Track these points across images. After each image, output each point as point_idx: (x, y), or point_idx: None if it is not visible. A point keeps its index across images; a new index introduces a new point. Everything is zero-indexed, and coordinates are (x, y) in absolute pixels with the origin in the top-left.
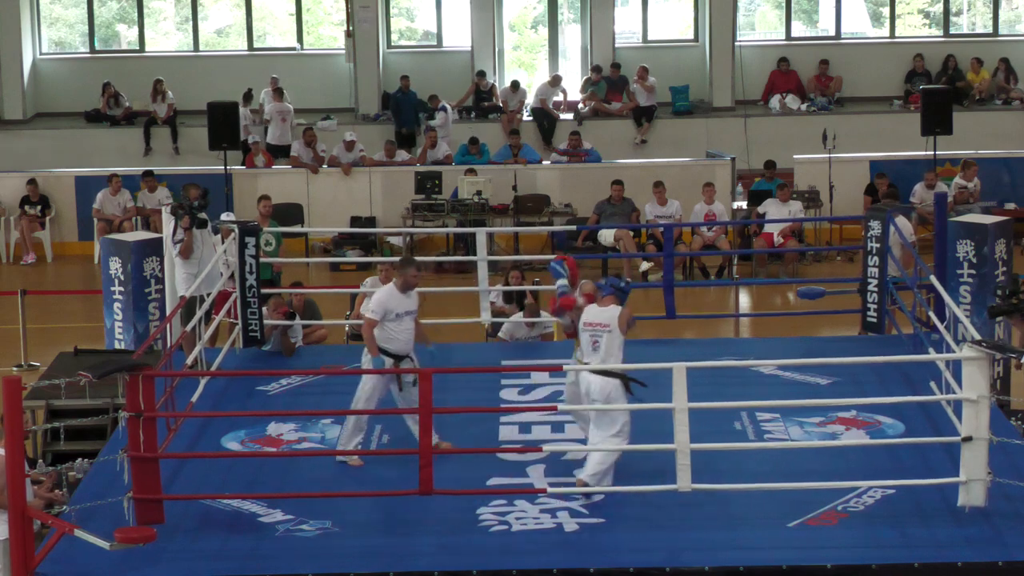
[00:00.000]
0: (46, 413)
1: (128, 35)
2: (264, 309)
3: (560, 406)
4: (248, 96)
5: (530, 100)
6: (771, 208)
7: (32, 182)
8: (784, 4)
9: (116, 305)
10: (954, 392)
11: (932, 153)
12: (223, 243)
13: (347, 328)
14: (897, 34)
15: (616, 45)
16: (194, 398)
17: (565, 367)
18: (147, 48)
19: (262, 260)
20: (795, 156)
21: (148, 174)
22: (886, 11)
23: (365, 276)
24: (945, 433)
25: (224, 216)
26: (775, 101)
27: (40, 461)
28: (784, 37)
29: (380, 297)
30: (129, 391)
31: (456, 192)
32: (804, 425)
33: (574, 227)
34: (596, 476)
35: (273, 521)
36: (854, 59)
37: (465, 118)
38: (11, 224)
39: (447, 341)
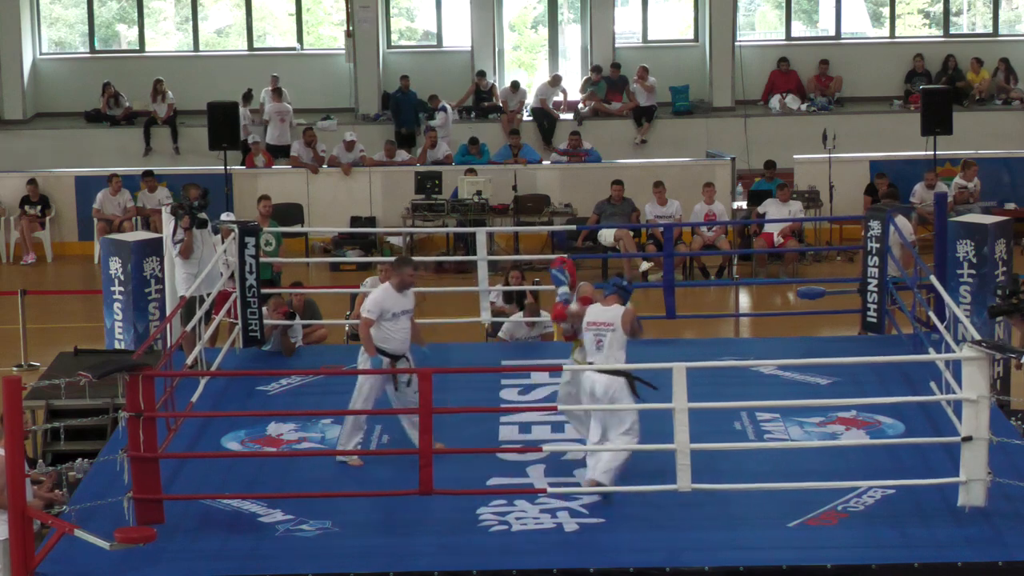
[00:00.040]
0: (46, 413)
1: (128, 35)
2: (264, 309)
3: (560, 406)
4: (248, 96)
5: (530, 100)
6: (771, 208)
7: (32, 182)
8: (784, 4)
9: (116, 305)
10: (954, 392)
11: (932, 153)
12: (223, 243)
13: (347, 328)
14: (897, 34)
15: (616, 45)
16: (194, 398)
17: (565, 367)
18: (147, 48)
19: (262, 260)
20: (795, 156)
21: (148, 174)
22: (886, 11)
23: (365, 276)
24: (945, 433)
25: (224, 216)
26: (775, 101)
27: (40, 461)
28: (784, 37)
29: (376, 296)
30: (129, 391)
31: (456, 192)
32: (804, 425)
33: (574, 227)
34: (609, 474)
35: (273, 521)
36: (854, 59)
37: (465, 118)
38: (11, 224)
39: (447, 341)
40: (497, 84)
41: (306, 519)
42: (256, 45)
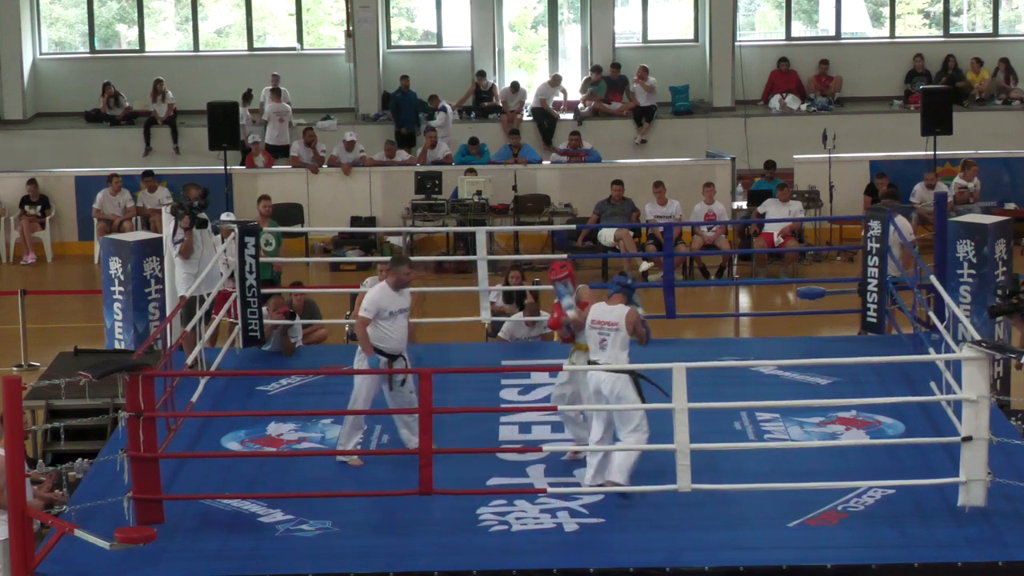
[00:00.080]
0: (46, 413)
1: (128, 35)
2: (264, 309)
3: (560, 406)
4: (248, 96)
5: (530, 100)
6: (771, 208)
7: (32, 182)
8: (784, 4)
9: (116, 305)
10: (954, 392)
11: (932, 153)
12: (223, 243)
13: (347, 328)
14: (897, 34)
15: (616, 45)
16: (194, 398)
17: (565, 367)
18: (147, 48)
19: (262, 260)
20: (795, 156)
21: (148, 174)
22: (886, 11)
23: (365, 276)
24: (945, 433)
25: (224, 216)
26: (775, 101)
27: (40, 461)
28: (784, 37)
29: (373, 295)
30: (129, 391)
31: (456, 192)
32: (804, 425)
33: (574, 227)
34: (625, 473)
35: (273, 521)
36: (854, 59)
37: (465, 118)
38: (11, 224)
39: (447, 341)
40: (497, 84)
41: (306, 519)
42: (256, 45)
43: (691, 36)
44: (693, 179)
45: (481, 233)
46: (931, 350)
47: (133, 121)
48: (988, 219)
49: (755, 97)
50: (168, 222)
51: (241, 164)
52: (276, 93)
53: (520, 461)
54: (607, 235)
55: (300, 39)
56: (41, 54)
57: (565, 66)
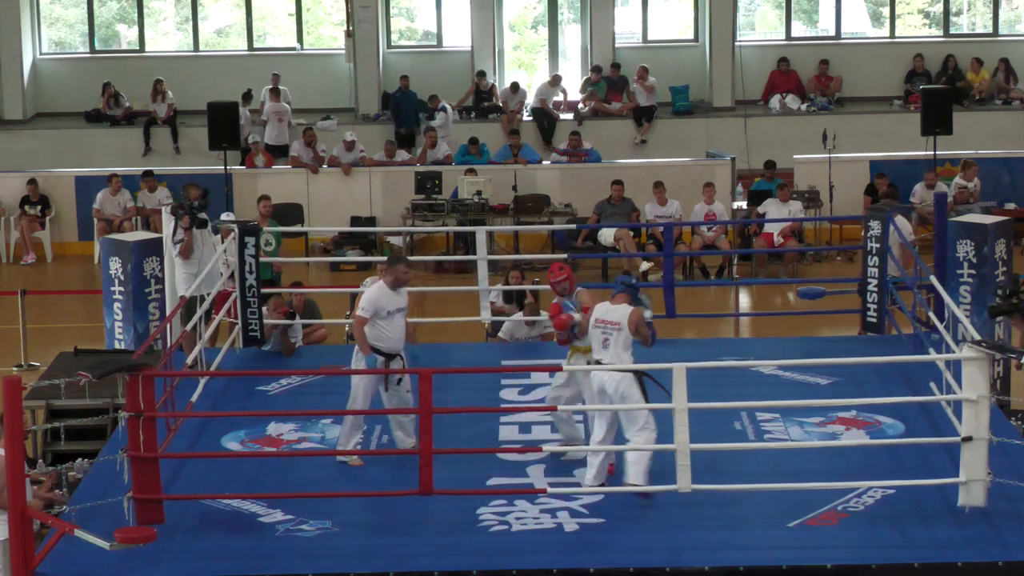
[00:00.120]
0: (46, 413)
1: (128, 35)
2: (264, 309)
3: (559, 407)
4: (248, 96)
5: (530, 100)
6: (771, 208)
7: (32, 182)
8: (784, 4)
9: (116, 305)
10: (954, 392)
11: (932, 153)
12: (223, 243)
13: (347, 328)
14: (897, 34)
15: (616, 45)
16: (194, 398)
17: (565, 367)
18: (147, 48)
19: (262, 260)
20: (795, 156)
21: (148, 174)
22: (886, 11)
23: (365, 276)
24: (945, 433)
25: (224, 216)
26: (775, 101)
27: (40, 461)
28: (784, 37)
29: (370, 295)
30: (129, 391)
31: (456, 192)
32: (804, 425)
33: (574, 227)
34: (643, 475)
35: (273, 521)
36: (854, 59)
37: (465, 118)
38: (11, 224)
39: (447, 341)
40: (497, 84)
41: (306, 519)
42: (256, 45)
43: (691, 36)
44: (693, 179)
45: (481, 233)
46: (931, 350)
47: (133, 121)
48: (988, 219)
49: (755, 97)
50: (168, 222)
51: (241, 164)
52: (276, 93)
53: (520, 461)
54: (607, 235)
55: (300, 39)
56: (41, 54)
57: (565, 66)
